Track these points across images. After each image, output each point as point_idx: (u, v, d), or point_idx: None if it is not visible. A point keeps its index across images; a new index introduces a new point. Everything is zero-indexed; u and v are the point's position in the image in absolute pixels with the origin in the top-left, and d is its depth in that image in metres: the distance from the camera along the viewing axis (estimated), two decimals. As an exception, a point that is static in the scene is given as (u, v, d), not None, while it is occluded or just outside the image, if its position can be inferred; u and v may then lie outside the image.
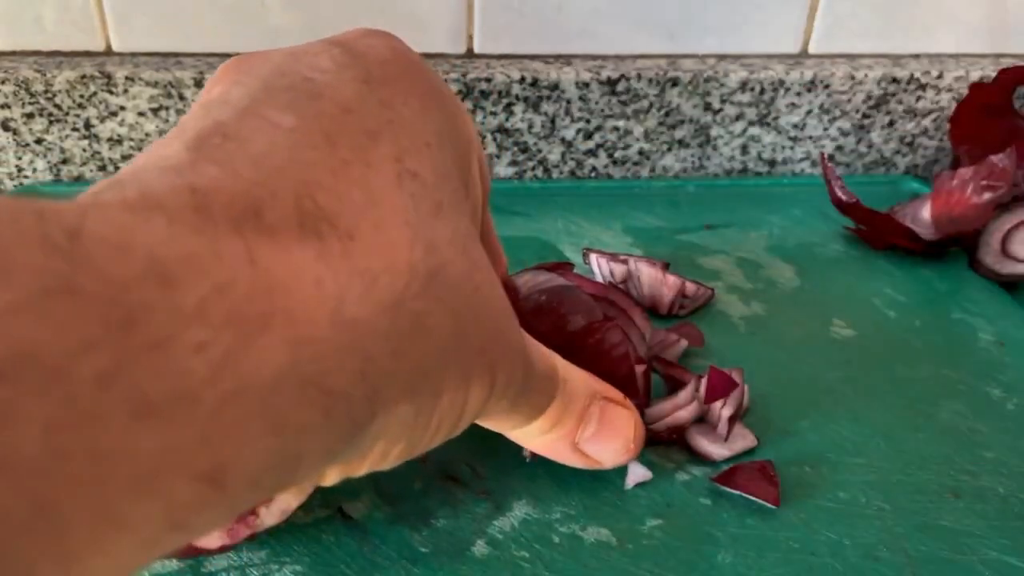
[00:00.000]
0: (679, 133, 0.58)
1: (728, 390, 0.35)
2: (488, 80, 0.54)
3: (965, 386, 0.39)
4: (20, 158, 0.54)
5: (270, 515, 0.28)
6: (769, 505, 0.31)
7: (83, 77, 0.51)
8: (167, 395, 0.13)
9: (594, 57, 0.57)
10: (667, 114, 0.57)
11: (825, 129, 0.59)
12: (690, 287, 0.42)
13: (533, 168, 0.58)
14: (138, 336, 0.13)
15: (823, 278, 0.45)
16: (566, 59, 0.56)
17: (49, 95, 0.51)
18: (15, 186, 0.54)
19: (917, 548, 0.30)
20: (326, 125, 0.19)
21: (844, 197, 0.51)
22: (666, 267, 0.43)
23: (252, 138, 0.18)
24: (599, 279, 0.43)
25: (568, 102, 0.55)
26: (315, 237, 0.17)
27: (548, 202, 0.55)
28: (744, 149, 0.59)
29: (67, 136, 0.53)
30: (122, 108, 0.52)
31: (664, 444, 0.34)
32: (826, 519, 0.31)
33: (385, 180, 0.19)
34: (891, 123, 0.59)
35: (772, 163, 0.60)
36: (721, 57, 0.58)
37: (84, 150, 0.54)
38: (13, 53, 0.53)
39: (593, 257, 0.45)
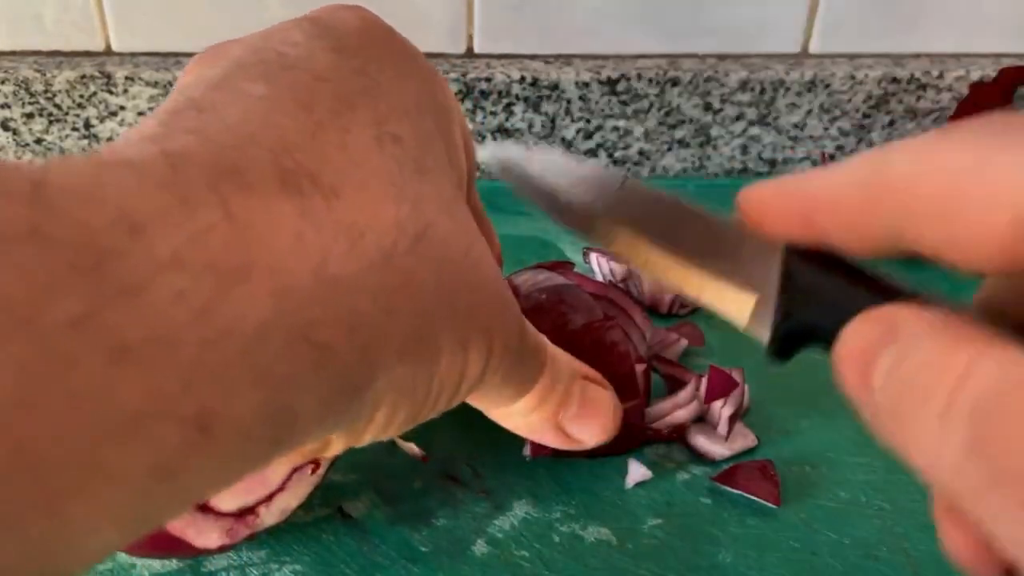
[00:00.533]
0: (679, 133, 0.58)
1: (728, 389, 0.35)
2: (488, 80, 0.54)
3: (965, 386, 0.39)
4: (20, 158, 0.53)
5: (270, 515, 0.28)
6: (769, 504, 0.31)
7: (83, 77, 0.51)
8: (145, 339, 0.13)
9: (594, 57, 0.57)
10: (667, 114, 0.57)
11: (825, 129, 0.59)
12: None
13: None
14: (111, 281, 0.13)
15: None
16: (566, 59, 0.56)
17: (49, 95, 0.51)
18: (15, 186, 0.54)
19: (917, 547, 0.30)
20: (300, 94, 0.19)
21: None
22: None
23: (226, 109, 0.18)
24: (599, 278, 0.43)
25: (568, 102, 0.55)
26: (297, 194, 0.17)
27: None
28: (744, 149, 0.59)
29: (67, 136, 0.53)
30: (122, 108, 0.52)
31: (664, 444, 0.34)
32: (826, 518, 0.31)
33: (365, 143, 0.19)
34: (891, 123, 0.59)
35: (772, 163, 0.60)
36: (721, 57, 0.58)
37: (84, 150, 0.54)
38: (13, 53, 0.53)
39: (593, 256, 0.45)
